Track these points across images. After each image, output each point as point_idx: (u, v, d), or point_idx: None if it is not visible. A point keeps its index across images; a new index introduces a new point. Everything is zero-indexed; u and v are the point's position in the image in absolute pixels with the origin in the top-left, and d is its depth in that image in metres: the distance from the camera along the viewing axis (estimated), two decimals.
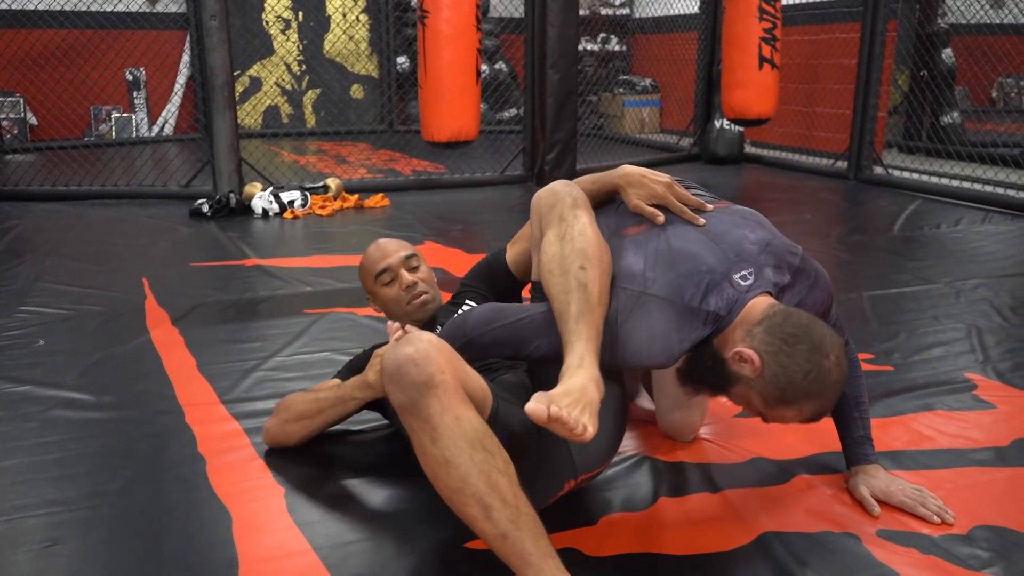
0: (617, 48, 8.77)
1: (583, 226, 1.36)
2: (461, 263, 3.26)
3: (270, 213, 4.23)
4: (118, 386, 2.07)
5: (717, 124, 6.15)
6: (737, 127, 6.07)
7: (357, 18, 8.26)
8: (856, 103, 5.28)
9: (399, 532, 1.45)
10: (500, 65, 8.28)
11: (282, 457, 1.71)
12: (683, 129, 6.85)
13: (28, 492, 1.57)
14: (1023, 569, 1.35)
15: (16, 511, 1.51)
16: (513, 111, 8.30)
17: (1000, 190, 4.70)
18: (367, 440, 1.79)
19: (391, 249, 1.82)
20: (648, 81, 8.37)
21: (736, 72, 5.42)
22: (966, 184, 4.90)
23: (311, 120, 8.34)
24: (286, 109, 8.25)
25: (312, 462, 1.70)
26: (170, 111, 7.62)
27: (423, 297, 1.77)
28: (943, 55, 6.15)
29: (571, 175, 5.11)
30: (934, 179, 5.09)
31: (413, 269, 1.80)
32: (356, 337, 2.42)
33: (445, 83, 4.48)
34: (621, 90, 8.32)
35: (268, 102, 8.15)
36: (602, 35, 8.70)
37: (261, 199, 4.25)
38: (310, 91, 8.29)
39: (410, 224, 4.01)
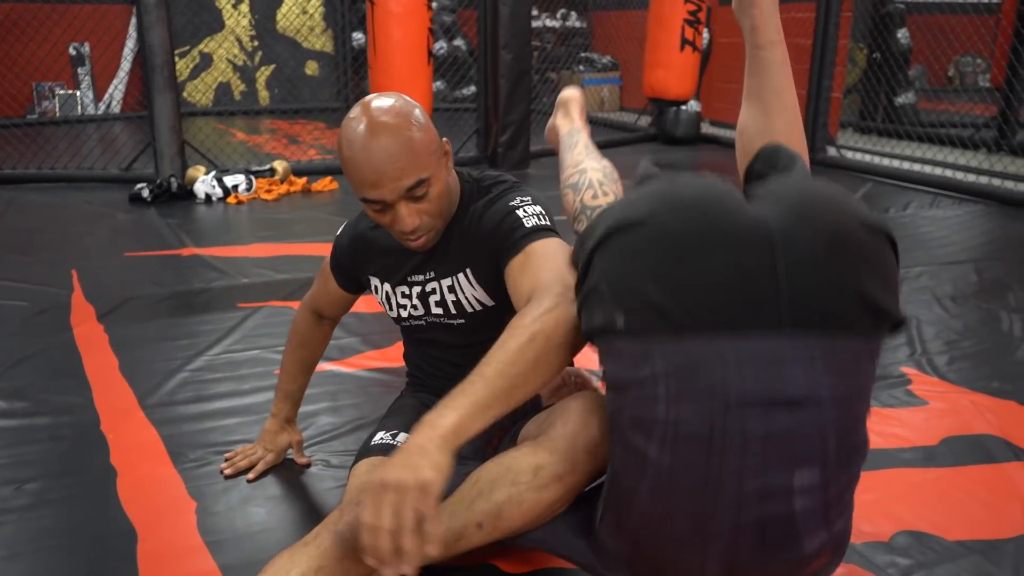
0: (577, 25, 8.67)
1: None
2: None
3: (213, 198, 4.11)
4: (33, 391, 1.98)
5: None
6: (693, 108, 6.05)
7: None
8: (811, 84, 5.27)
9: None
10: (458, 42, 8.14)
11: (199, 468, 1.65)
12: (642, 108, 6.80)
13: None
14: (942, 573, 1.35)
15: None
16: (472, 88, 8.18)
17: (949, 172, 4.73)
18: (286, 460, 1.73)
19: (389, 172, 1.21)
20: (608, 59, 8.30)
21: (659, 52, 5.46)
22: (917, 166, 4.92)
23: (264, 97, 8.15)
24: (238, 86, 8.05)
25: (232, 480, 1.64)
26: (116, 87, 7.39)
27: (421, 241, 1.31)
28: (898, 35, 6.17)
29: (524, 157, 5.05)
30: (886, 161, 5.11)
31: (418, 199, 1.25)
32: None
33: (396, 63, 4.39)
34: (581, 67, 8.23)
35: (219, 79, 7.94)
36: (562, 11, 8.60)
37: (204, 183, 4.13)
38: (263, 67, 8.09)
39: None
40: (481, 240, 1.34)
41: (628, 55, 7.81)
